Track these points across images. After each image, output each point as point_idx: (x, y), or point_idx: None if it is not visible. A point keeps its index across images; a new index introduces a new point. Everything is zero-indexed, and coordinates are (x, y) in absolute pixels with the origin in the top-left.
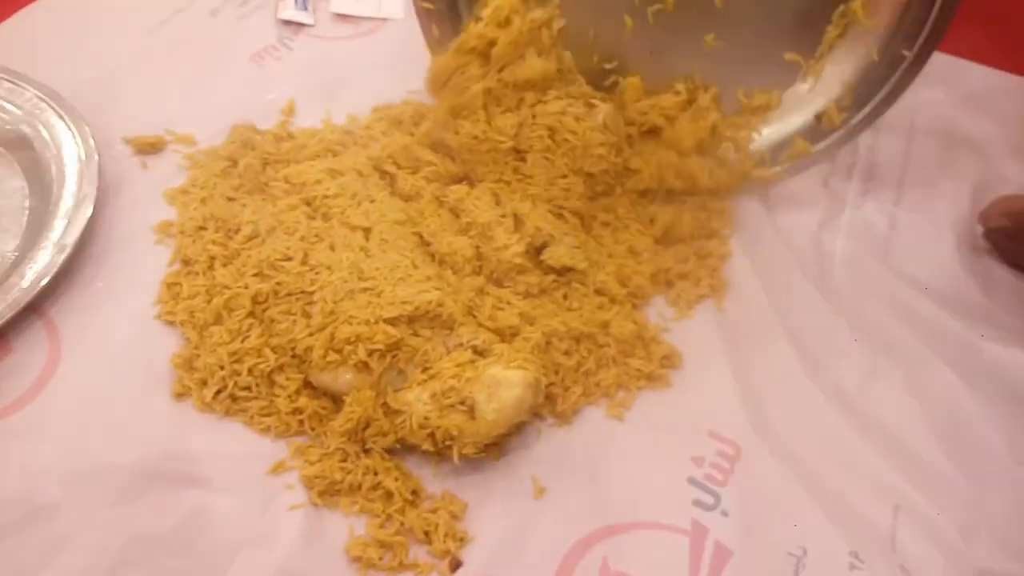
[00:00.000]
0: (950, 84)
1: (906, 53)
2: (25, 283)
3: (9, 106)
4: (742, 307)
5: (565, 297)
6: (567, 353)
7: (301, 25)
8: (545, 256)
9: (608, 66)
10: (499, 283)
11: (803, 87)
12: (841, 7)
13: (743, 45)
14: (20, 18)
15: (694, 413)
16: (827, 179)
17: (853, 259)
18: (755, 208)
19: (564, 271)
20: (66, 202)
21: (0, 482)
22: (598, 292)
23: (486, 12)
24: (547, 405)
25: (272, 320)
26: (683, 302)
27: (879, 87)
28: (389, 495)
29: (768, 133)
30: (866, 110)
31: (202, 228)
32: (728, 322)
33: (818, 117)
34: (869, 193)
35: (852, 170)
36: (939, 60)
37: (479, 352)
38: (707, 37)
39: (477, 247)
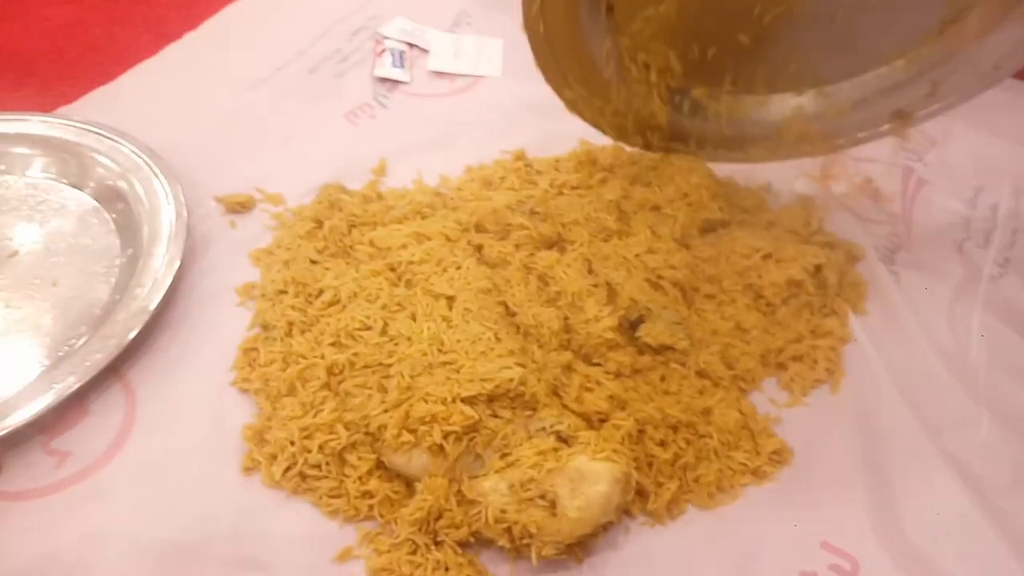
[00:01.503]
0: None
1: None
2: (107, 344)
3: (109, 162)
4: (864, 392)
5: (662, 379)
6: (663, 444)
7: (396, 82)
8: (641, 333)
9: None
10: (588, 359)
11: (887, 74)
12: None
13: (842, 42)
14: (127, 78)
15: (805, 518)
16: (961, 244)
17: (992, 335)
18: (881, 273)
19: (661, 350)
20: (155, 261)
21: (61, 546)
22: (700, 375)
23: None
24: (638, 502)
25: (347, 394)
26: (796, 387)
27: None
28: None
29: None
30: (938, 105)
31: (283, 292)
32: (847, 410)
33: (897, 113)
34: (1010, 263)
35: (990, 235)
36: None
37: (563, 439)
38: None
39: (566, 319)
